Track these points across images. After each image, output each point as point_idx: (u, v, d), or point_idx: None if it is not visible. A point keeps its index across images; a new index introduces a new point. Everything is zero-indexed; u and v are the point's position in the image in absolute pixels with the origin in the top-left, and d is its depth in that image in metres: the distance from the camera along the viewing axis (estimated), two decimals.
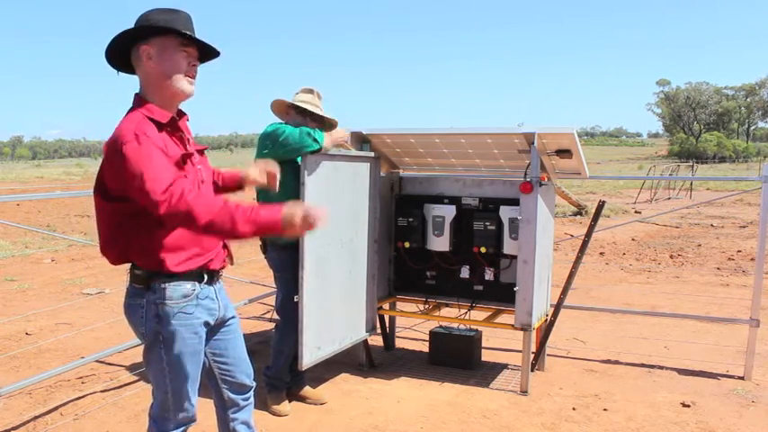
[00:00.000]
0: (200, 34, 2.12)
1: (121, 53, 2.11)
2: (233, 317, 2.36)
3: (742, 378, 4.20)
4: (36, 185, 26.65)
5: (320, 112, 3.59)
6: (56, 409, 3.69)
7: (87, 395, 3.88)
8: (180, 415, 2.19)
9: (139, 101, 2.09)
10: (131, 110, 2.08)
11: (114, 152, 1.95)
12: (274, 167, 2.43)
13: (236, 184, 2.47)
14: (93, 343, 4.93)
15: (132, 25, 2.08)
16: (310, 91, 3.64)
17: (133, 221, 2.03)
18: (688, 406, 3.74)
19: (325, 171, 3.51)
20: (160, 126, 2.04)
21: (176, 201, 1.90)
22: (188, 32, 2.07)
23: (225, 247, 2.27)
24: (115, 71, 2.15)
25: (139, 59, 2.07)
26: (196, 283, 2.13)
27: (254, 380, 2.44)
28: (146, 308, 2.08)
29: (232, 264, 2.37)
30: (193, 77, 2.14)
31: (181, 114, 2.19)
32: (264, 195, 3.58)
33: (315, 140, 3.36)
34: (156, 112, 2.05)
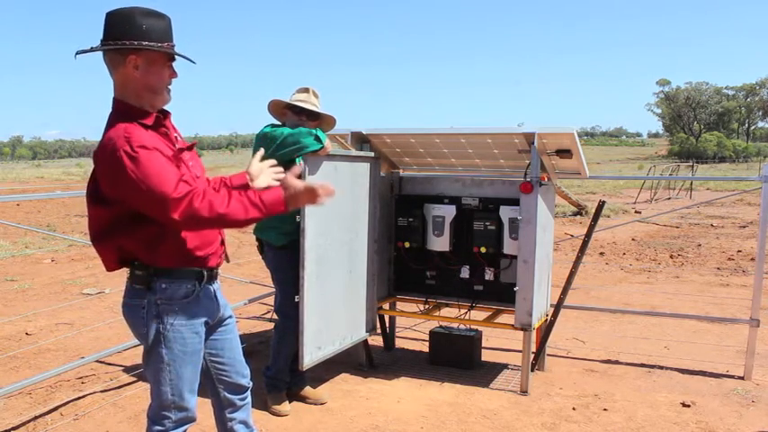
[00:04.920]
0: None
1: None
2: (230, 316, 2.36)
3: (742, 378, 4.20)
4: (36, 185, 26.63)
5: (316, 109, 3.59)
6: (56, 409, 3.69)
7: (87, 395, 3.88)
8: (180, 414, 2.19)
9: (121, 105, 2.05)
10: (114, 115, 2.05)
11: (111, 162, 1.92)
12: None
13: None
14: (93, 343, 4.93)
15: (107, 13, 2.02)
16: (306, 90, 3.63)
17: (130, 223, 2.02)
18: (688, 406, 3.74)
19: (325, 171, 3.51)
20: (146, 128, 2.03)
21: (190, 198, 1.91)
22: (181, 54, 2.07)
23: (222, 243, 2.27)
24: (77, 54, 2.03)
25: (121, 65, 2.02)
26: (196, 282, 2.14)
27: (250, 380, 2.44)
28: (147, 308, 2.08)
29: (228, 261, 2.37)
30: (170, 85, 2.13)
31: (164, 113, 2.17)
32: None
33: (317, 139, 3.35)
34: (139, 114, 2.04)
